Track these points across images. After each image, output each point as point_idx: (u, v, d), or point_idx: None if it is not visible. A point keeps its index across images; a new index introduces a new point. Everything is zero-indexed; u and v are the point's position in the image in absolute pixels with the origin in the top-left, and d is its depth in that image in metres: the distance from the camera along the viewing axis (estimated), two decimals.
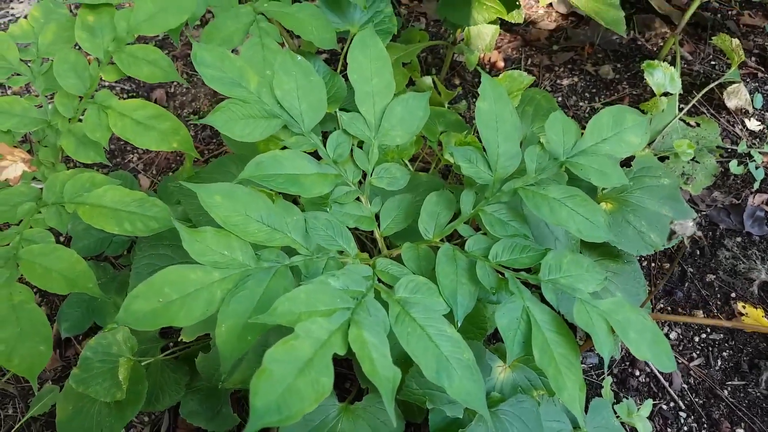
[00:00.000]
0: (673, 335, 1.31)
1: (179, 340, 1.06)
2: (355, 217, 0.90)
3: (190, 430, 1.24)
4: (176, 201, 1.19)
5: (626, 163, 1.31)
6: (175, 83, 1.93)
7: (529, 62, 2.04)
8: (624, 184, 0.84)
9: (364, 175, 0.92)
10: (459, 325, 0.78)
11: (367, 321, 0.67)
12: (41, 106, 1.08)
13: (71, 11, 1.10)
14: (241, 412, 1.24)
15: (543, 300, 0.80)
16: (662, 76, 1.42)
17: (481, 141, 0.87)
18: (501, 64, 2.03)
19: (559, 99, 1.90)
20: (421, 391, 0.88)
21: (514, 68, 2.03)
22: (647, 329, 0.76)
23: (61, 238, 1.53)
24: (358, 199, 0.92)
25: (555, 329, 0.76)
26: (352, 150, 0.91)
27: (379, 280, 0.81)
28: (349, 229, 0.88)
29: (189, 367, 1.12)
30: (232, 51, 0.98)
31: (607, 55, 2.02)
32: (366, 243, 1.24)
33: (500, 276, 0.82)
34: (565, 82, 1.97)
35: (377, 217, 0.94)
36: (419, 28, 2.06)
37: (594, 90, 1.92)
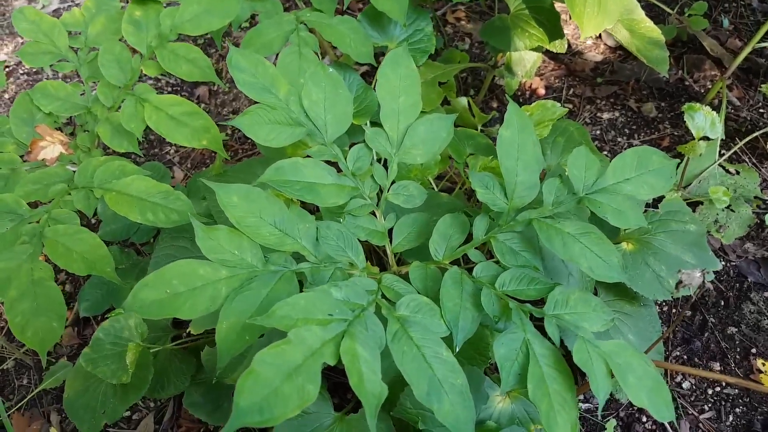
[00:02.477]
0: (686, 384, 1.27)
1: (188, 331, 1.09)
2: (368, 230, 0.91)
3: (192, 422, 1.27)
4: (202, 197, 1.22)
5: (655, 204, 1.28)
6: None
7: (570, 92, 2.02)
8: (641, 226, 0.83)
9: (382, 191, 0.93)
10: (457, 349, 0.78)
11: (361, 335, 0.67)
12: (84, 94, 1.12)
13: (123, 4, 1.15)
14: None
15: (545, 334, 0.79)
16: (703, 120, 1.39)
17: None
18: (542, 91, 2.02)
19: (597, 132, 1.88)
20: (415, 411, 0.88)
21: (554, 97, 2.02)
22: (648, 376, 0.75)
23: (93, 221, 1.58)
24: (373, 213, 0.93)
25: (553, 365, 0.75)
26: (372, 164, 0.92)
27: (384, 296, 0.82)
28: (363, 242, 0.89)
29: (196, 359, 1.15)
30: (272, 57, 1.01)
31: (651, 93, 1.99)
32: (382, 257, 1.25)
33: (506, 305, 0.82)
34: (606, 116, 1.94)
35: (391, 232, 0.95)
36: (462, 48, 2.07)
37: (634, 127, 1.89)
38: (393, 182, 0.93)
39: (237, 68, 0.88)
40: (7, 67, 2.07)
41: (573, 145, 1.25)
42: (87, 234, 0.94)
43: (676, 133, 1.85)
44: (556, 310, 0.79)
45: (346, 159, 0.90)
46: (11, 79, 2.06)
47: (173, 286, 0.72)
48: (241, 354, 0.74)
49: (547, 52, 2.09)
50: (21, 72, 2.09)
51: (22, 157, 1.13)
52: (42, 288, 0.88)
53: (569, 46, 2.14)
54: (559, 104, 1.17)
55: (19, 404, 1.29)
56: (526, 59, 1.64)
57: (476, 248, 0.89)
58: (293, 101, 0.90)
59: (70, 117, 1.31)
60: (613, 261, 0.81)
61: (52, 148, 1.14)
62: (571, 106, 1.97)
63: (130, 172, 1.02)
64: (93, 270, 0.91)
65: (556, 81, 2.05)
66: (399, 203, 0.93)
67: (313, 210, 0.96)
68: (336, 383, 1.24)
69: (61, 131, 1.17)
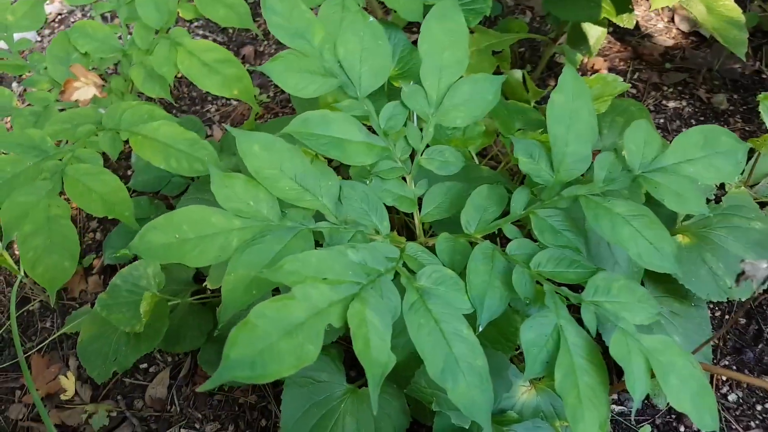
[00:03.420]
0: (732, 397, 1.17)
1: (204, 285, 1.05)
2: (396, 195, 0.84)
3: (207, 379, 1.24)
4: (233, 152, 1.18)
5: (717, 199, 1.17)
6: (265, 42, 1.94)
7: (635, 76, 1.89)
8: (702, 213, 0.73)
9: (415, 154, 0.86)
10: (480, 328, 0.71)
11: (374, 300, 0.61)
12: (121, 37, 1.09)
13: None
14: None
15: (582, 324, 0.71)
16: None
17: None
18: (604, 72, 1.89)
19: (661, 121, 1.75)
20: (430, 390, 0.82)
21: None
22: (693, 378, 0.66)
23: (129, 172, 1.57)
24: (403, 179, 0.86)
25: (586, 356, 0.68)
26: (407, 125, 0.85)
27: (405, 266, 0.75)
28: (393, 213, 0.83)
29: (213, 316, 1.12)
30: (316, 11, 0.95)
31: (724, 84, 1.84)
32: (413, 232, 1.18)
33: (539, 288, 0.74)
34: (672, 104, 1.81)
35: (421, 201, 0.88)
36: (523, 21, 1.96)
37: (702, 118, 1.75)
38: (428, 146, 0.86)
39: (271, 10, 0.82)
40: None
41: None
42: (109, 176, 0.91)
43: (747, 129, 1.70)
44: (596, 297, 0.71)
45: (378, 117, 0.84)
46: (47, 31, 2.08)
47: (183, 231, 0.68)
48: (247, 309, 0.69)
49: (613, 33, 1.97)
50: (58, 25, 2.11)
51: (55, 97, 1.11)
52: (57, 225, 0.85)
53: (638, 27, 2.00)
54: (621, 79, 1.07)
55: (40, 346, 1.30)
56: (590, 34, 1.52)
57: (513, 224, 0.82)
58: (327, 50, 0.83)
59: (115, 65, 1.29)
60: (666, 249, 0.72)
61: (86, 89, 1.12)
62: (634, 91, 1.84)
63: (158, 116, 0.98)
64: (111, 212, 0.88)
65: (621, 63, 1.92)
66: (432, 169, 0.86)
67: (340, 173, 0.91)
68: (354, 356, 1.19)
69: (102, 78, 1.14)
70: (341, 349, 1.01)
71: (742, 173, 1.52)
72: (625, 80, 1.88)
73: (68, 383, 1.24)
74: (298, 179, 0.75)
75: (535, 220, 0.78)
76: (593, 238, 0.89)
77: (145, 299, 0.96)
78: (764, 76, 1.84)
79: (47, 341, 1.30)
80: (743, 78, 1.84)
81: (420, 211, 0.88)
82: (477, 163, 1.27)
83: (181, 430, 1.20)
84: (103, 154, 0.97)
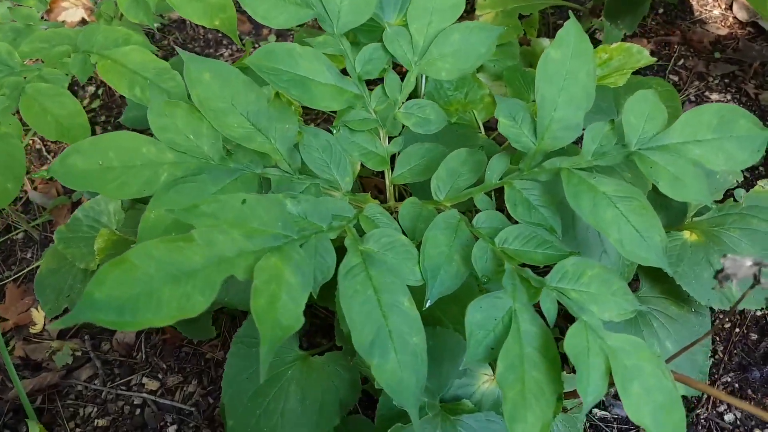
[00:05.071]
0: (729, 417, 1.06)
1: None
2: (364, 150, 0.76)
3: (175, 335, 1.20)
4: None
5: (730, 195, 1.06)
6: None
7: (680, 63, 1.74)
8: (701, 203, 0.63)
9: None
10: (428, 303, 0.63)
11: (298, 258, 0.54)
12: None
13: None
14: (229, 327, 1.18)
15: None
16: None
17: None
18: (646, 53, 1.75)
19: None
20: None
21: (660, 65, 1.75)
22: (661, 390, 0.57)
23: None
24: (378, 134, 0.78)
25: (539, 348, 0.59)
26: (387, 71, 0.77)
27: (359, 228, 0.68)
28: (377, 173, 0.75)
29: None
30: None
31: None
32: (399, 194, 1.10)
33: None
34: (715, 96, 1.66)
35: (394, 160, 0.80)
36: None
37: None
38: (406, 99, 0.77)
39: None
40: None
41: None
42: (69, 99, 0.86)
43: None
44: (561, 283, 0.62)
45: (354, 59, 0.75)
46: None
47: (108, 159, 0.62)
48: None
49: (663, 14, 1.82)
50: None
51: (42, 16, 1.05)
52: (5, 145, 0.80)
53: (692, 11, 1.84)
54: (647, 52, 0.96)
55: (16, 276, 1.28)
56: (632, 7, 1.39)
57: (488, 195, 0.73)
58: None
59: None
60: (654, 239, 0.62)
61: (74, 11, 1.07)
62: (676, 78, 1.70)
63: (134, 42, 0.92)
64: (64, 137, 0.82)
65: (666, 48, 1.77)
66: (409, 125, 0.77)
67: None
68: (325, 324, 1.12)
69: None
70: (308, 313, 0.94)
71: None
72: (668, 66, 1.73)
73: (38, 316, 1.21)
74: (251, 117, 0.68)
75: (509, 192, 0.69)
76: (582, 223, 0.80)
77: (101, 236, 0.91)
78: None
79: (24, 271, 1.28)
80: None
81: (392, 172, 0.80)
82: (483, 134, 1.18)
83: (144, 378, 1.17)
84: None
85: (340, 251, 0.62)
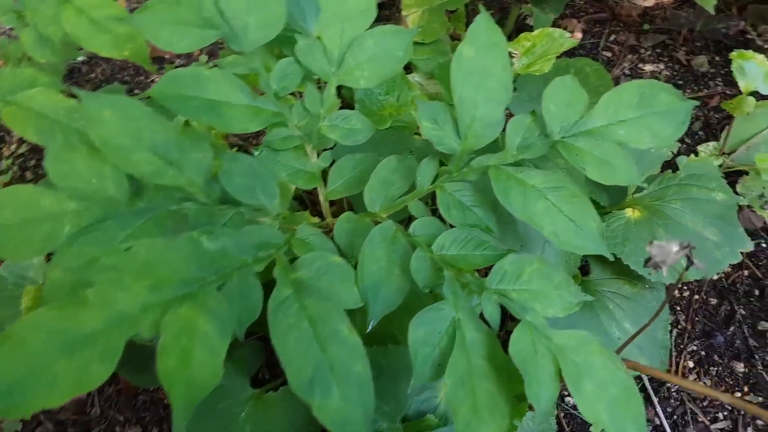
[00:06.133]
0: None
1: None
2: (292, 169, 0.73)
3: (129, 384, 1.15)
4: None
5: (674, 165, 1.06)
6: None
7: (612, 39, 1.76)
8: (633, 184, 0.62)
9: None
10: (370, 326, 0.61)
11: (215, 303, 0.50)
12: None
13: None
14: None
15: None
16: (755, 71, 1.12)
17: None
18: (579, 35, 1.76)
19: None
20: None
21: (593, 43, 1.76)
22: (614, 382, 0.55)
23: None
24: (306, 150, 0.75)
25: (487, 356, 0.57)
26: (306, 85, 0.74)
27: (292, 253, 0.64)
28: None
29: None
30: None
31: (706, 45, 1.70)
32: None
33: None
34: (648, 68, 1.67)
35: (327, 175, 0.77)
36: None
37: (681, 81, 1.62)
38: (329, 112, 0.74)
39: None
40: None
41: (587, 89, 1.02)
42: None
43: (728, 92, 1.57)
44: (502, 284, 0.60)
45: (270, 76, 0.72)
46: None
47: (5, 216, 0.57)
48: None
49: None
50: None
51: None
52: None
53: None
54: (568, 34, 0.95)
55: None
56: None
57: (423, 201, 0.71)
58: None
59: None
60: (589, 226, 0.61)
61: None
62: (609, 54, 1.71)
63: (40, 83, 0.87)
64: None
65: (597, 25, 1.78)
66: (336, 138, 0.74)
67: None
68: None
69: None
70: (247, 350, 0.91)
71: (718, 140, 1.40)
72: (599, 43, 1.75)
73: None
74: (159, 150, 0.64)
75: (441, 195, 0.67)
76: None
77: (27, 293, 0.85)
78: (749, 37, 1.70)
79: None
80: (727, 39, 1.70)
81: (326, 187, 0.77)
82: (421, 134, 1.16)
83: None
84: None
85: (273, 283, 0.59)
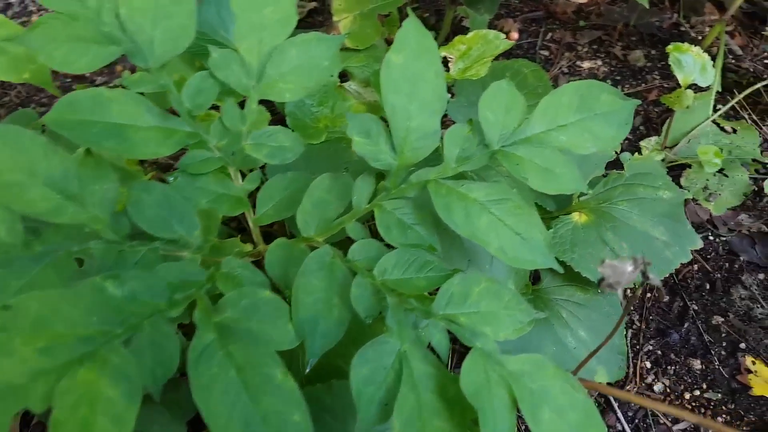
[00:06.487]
0: (658, 387, 1.04)
1: None
2: (214, 195, 0.67)
3: None
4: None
5: (619, 164, 1.04)
6: None
7: (548, 37, 1.75)
8: (577, 191, 0.59)
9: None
10: (309, 367, 0.55)
11: (120, 362, 0.43)
12: None
13: None
14: None
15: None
16: (692, 64, 1.12)
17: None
18: (515, 35, 1.75)
19: None
20: None
21: (529, 42, 1.75)
22: (574, 407, 0.51)
23: None
24: (229, 172, 0.69)
25: (436, 389, 0.52)
26: (225, 102, 0.67)
27: (216, 290, 0.58)
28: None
29: None
30: None
31: (641, 39, 1.72)
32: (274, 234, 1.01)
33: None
34: (586, 65, 1.67)
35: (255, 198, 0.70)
36: None
37: (618, 77, 1.63)
38: (252, 129, 0.68)
39: None
40: None
41: (525, 91, 1.00)
42: None
43: (666, 85, 1.58)
44: (449, 307, 0.55)
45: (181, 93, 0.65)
46: None
47: None
48: None
49: None
50: None
51: None
52: None
53: None
54: (503, 36, 0.91)
55: None
56: None
57: (361, 222, 0.65)
58: (107, 10, 0.64)
59: None
60: (536, 238, 0.57)
61: None
62: (547, 52, 1.70)
63: None
64: None
65: (533, 24, 1.77)
66: (261, 157, 0.68)
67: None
68: None
69: None
70: (183, 392, 0.83)
71: (660, 135, 1.40)
72: (536, 42, 1.74)
73: None
74: (57, 184, 0.56)
75: (379, 215, 0.62)
76: None
77: None
78: (683, 29, 1.73)
79: None
80: (661, 32, 1.72)
81: (254, 212, 0.71)
82: None
83: None
84: None
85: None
